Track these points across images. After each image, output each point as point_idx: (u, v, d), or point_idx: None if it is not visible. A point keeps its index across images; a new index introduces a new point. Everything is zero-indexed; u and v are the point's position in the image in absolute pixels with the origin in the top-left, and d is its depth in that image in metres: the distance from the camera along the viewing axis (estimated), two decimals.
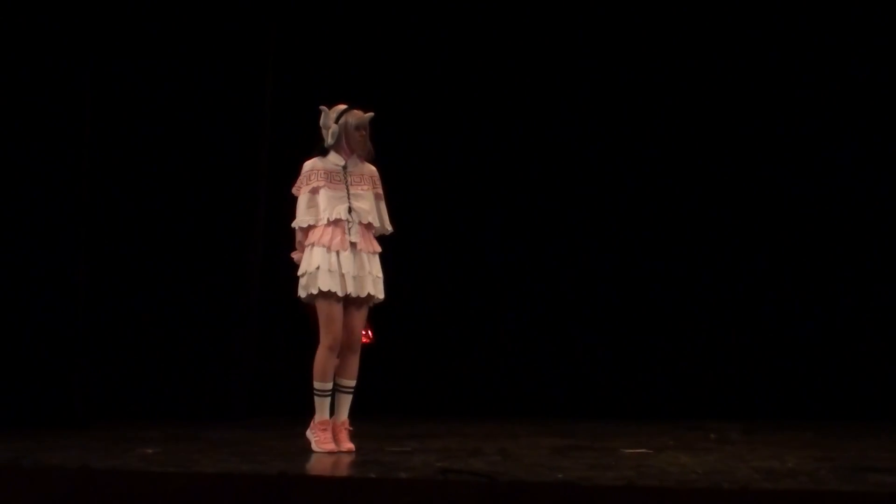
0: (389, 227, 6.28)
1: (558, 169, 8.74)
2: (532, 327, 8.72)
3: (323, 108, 6.21)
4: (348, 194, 6.13)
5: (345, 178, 6.15)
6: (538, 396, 8.58)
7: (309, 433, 6.14)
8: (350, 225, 6.09)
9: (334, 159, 6.18)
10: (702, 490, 4.46)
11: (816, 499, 4.30)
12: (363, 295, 6.11)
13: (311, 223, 6.11)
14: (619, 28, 8.69)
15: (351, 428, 6.17)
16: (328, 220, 6.07)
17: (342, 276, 6.03)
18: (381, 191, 6.26)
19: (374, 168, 6.27)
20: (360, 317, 6.16)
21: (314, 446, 6.06)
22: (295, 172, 6.24)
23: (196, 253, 8.31)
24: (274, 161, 8.23)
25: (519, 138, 8.76)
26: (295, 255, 6.24)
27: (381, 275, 6.17)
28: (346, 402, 6.18)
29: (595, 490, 4.47)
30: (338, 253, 6.05)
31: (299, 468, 5.45)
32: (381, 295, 6.18)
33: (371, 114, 6.19)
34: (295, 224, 6.18)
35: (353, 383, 6.20)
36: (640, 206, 8.66)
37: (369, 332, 6.26)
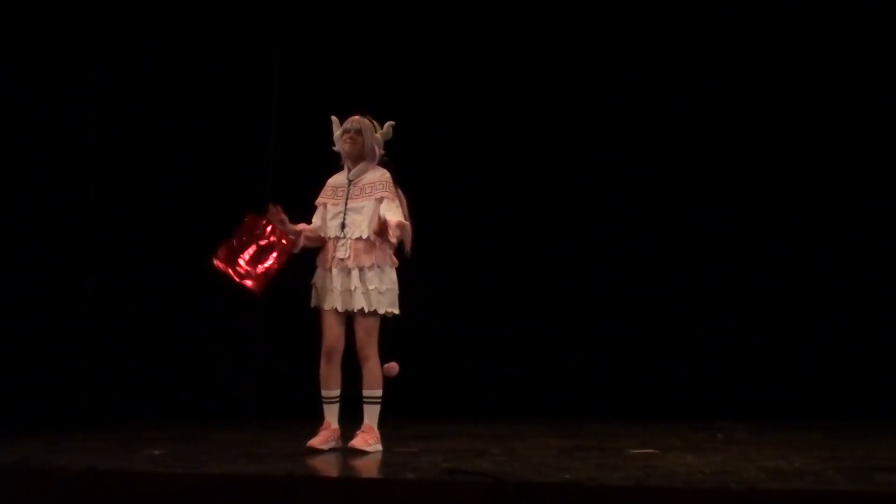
0: (397, 219, 6.11)
1: (563, 170, 8.72)
2: (539, 327, 8.71)
3: (333, 117, 6.31)
4: (345, 210, 6.22)
5: (347, 192, 6.26)
6: (545, 397, 8.57)
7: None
8: (341, 242, 6.20)
9: (343, 173, 6.35)
10: (709, 490, 4.46)
11: (823, 499, 4.30)
12: (353, 309, 6.19)
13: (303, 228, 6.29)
14: (625, 31, 8.68)
15: (359, 433, 6.22)
16: (327, 237, 6.26)
17: (331, 291, 6.20)
18: (387, 193, 6.24)
19: (381, 173, 6.29)
20: (360, 329, 6.21)
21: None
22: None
23: (202, 254, 8.31)
24: (280, 164, 8.24)
25: (523, 140, 8.75)
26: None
27: (383, 287, 6.19)
28: (366, 410, 6.28)
29: (602, 490, 4.47)
30: (330, 269, 6.23)
31: (306, 469, 5.45)
32: (381, 308, 6.19)
33: (356, 117, 6.25)
34: None
35: (369, 392, 6.27)
36: (646, 206, 8.65)
37: (394, 365, 6.28)
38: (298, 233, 6.27)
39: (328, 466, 5.59)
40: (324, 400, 6.30)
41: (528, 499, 4.35)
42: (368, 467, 5.46)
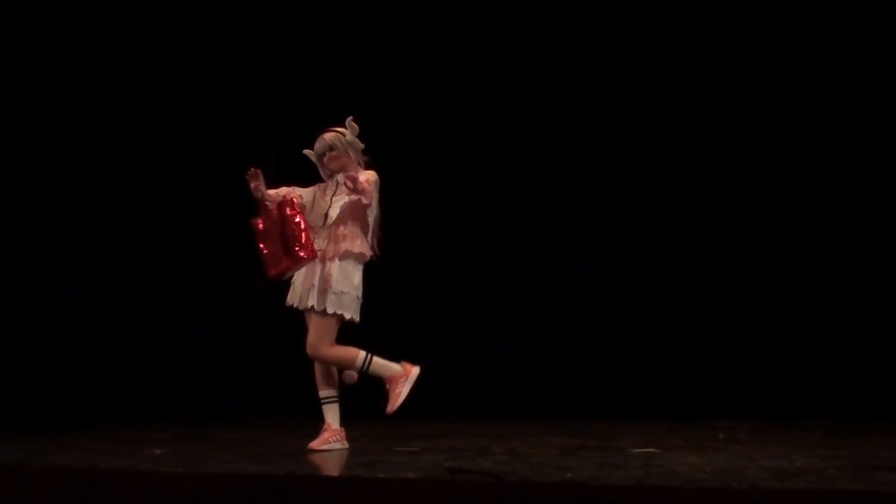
0: (365, 178, 6.08)
1: (564, 167, 8.73)
2: (541, 327, 8.71)
3: (306, 152, 6.35)
4: (330, 204, 6.23)
5: (334, 190, 6.26)
6: (546, 396, 8.57)
7: None
8: (322, 232, 6.17)
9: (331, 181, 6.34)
10: (710, 489, 4.45)
11: (825, 498, 4.29)
12: (301, 307, 6.17)
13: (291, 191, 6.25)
14: (623, 30, 8.68)
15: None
16: (311, 226, 6.20)
17: (296, 287, 6.20)
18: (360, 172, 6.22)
19: (366, 172, 6.27)
20: (311, 328, 6.15)
21: None
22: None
23: (204, 253, 8.32)
24: (281, 164, 8.24)
25: (525, 137, 8.76)
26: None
27: (338, 288, 6.09)
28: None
29: (604, 490, 4.47)
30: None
31: (308, 468, 5.45)
32: (330, 307, 6.09)
33: (321, 137, 6.24)
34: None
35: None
36: (649, 205, 8.65)
37: (352, 373, 6.21)
38: (275, 196, 6.22)
39: (329, 465, 5.59)
40: (321, 401, 6.26)
41: (529, 498, 4.35)
42: (370, 466, 5.45)
